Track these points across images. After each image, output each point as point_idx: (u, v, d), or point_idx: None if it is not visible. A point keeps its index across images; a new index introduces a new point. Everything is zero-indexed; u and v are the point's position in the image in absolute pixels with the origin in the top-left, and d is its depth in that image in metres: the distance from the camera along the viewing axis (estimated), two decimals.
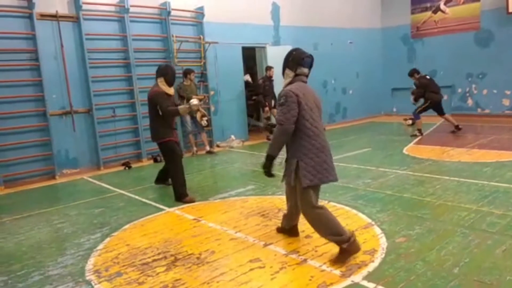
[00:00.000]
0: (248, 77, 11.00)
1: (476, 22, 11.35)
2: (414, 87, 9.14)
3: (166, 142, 5.17)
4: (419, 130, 9.08)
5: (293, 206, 3.54)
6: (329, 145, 3.29)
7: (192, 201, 5.09)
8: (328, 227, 3.19)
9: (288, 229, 3.77)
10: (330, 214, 3.24)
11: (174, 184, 5.23)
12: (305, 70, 3.30)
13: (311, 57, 3.32)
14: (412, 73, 9.20)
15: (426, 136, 9.00)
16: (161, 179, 5.94)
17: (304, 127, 3.16)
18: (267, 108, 9.73)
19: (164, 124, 5.15)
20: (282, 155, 3.32)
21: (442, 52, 12.01)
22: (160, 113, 5.04)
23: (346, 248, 3.12)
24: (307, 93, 3.23)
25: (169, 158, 5.28)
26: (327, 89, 12.00)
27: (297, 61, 3.27)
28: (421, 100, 9.05)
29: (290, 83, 3.28)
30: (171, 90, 5.21)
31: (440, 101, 9.00)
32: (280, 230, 3.87)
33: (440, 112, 9.12)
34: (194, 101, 5.22)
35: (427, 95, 8.89)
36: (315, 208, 3.21)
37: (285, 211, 3.75)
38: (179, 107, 5.15)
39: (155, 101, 5.03)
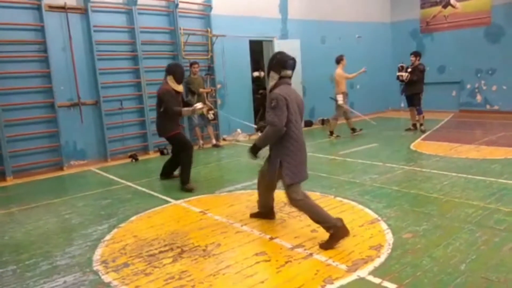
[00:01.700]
0: (258, 73, 10.81)
1: (486, 17, 11.20)
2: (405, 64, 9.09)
3: (175, 134, 5.48)
4: (421, 125, 9.06)
5: (266, 189, 3.83)
6: (305, 145, 3.56)
7: (190, 188, 5.31)
8: (315, 214, 3.42)
9: (265, 212, 4.00)
10: (313, 202, 3.49)
11: (183, 170, 5.42)
12: (289, 72, 3.52)
13: (294, 60, 3.52)
14: (418, 55, 9.08)
15: (434, 132, 8.94)
16: (166, 173, 5.99)
17: (290, 129, 3.40)
18: None
19: (171, 120, 5.43)
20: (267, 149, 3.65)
21: (451, 47, 11.87)
22: (162, 109, 5.33)
23: (333, 234, 3.32)
24: (292, 96, 3.46)
25: (182, 148, 5.51)
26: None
27: (281, 64, 3.48)
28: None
29: (275, 85, 3.48)
30: (179, 87, 5.51)
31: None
32: (255, 215, 4.08)
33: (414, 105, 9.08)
34: (199, 105, 5.47)
35: (420, 84, 8.87)
36: (299, 200, 3.46)
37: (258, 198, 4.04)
38: (183, 109, 5.41)
39: (162, 99, 5.31)
